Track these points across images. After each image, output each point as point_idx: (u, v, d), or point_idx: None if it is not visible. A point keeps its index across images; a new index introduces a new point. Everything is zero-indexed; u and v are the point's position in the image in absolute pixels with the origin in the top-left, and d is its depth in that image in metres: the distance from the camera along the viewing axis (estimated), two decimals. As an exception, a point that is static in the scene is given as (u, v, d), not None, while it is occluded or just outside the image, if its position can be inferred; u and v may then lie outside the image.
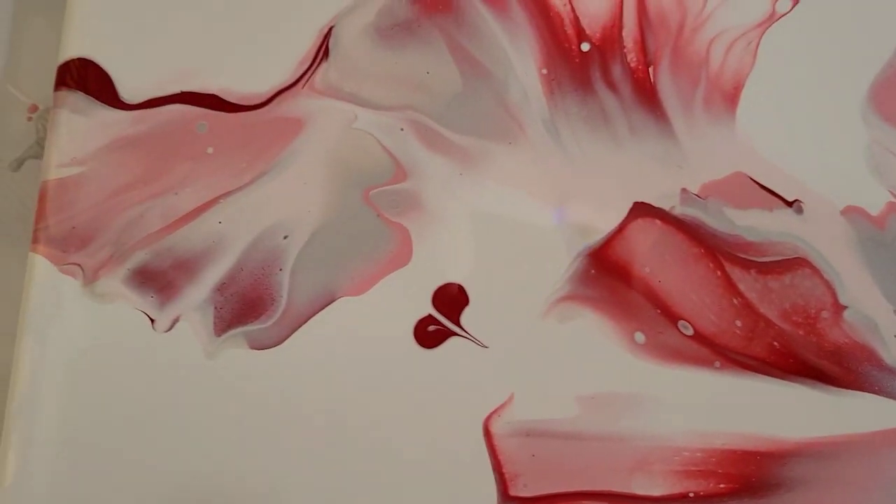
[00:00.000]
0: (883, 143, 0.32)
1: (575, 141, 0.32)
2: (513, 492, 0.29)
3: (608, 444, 0.29)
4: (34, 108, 0.35)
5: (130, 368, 0.30)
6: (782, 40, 0.33)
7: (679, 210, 0.31)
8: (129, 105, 0.32)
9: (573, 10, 0.33)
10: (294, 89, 0.32)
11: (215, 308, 0.30)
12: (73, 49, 0.32)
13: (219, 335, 0.30)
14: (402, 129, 0.32)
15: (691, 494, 0.29)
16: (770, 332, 0.30)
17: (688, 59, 0.33)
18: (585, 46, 0.33)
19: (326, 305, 0.30)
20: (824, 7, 0.33)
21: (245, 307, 0.30)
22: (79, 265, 0.31)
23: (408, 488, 0.29)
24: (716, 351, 0.30)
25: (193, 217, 0.31)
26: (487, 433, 0.29)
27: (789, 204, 0.31)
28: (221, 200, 0.31)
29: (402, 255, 0.31)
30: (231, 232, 0.31)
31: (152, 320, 0.30)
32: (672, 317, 0.30)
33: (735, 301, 0.30)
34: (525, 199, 0.31)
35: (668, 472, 0.29)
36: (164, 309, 0.30)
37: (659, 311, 0.30)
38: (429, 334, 0.30)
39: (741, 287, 0.30)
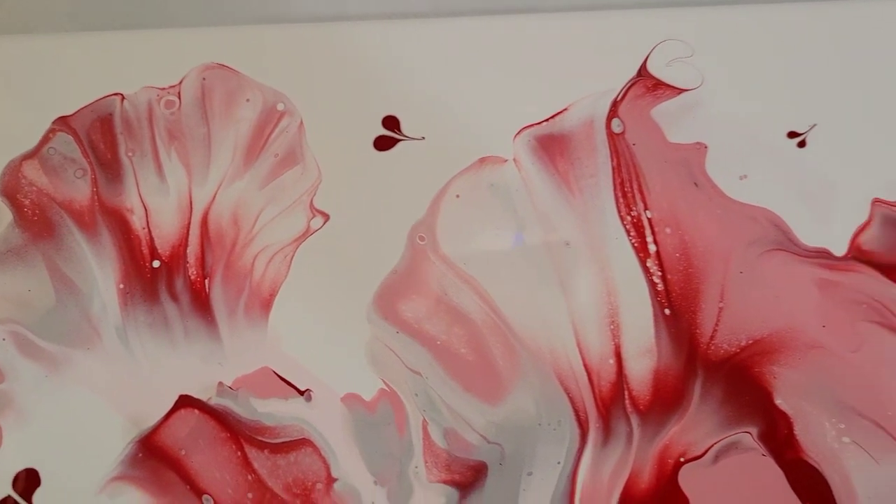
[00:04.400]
0: (381, 338, 0.37)
1: (140, 345, 0.37)
2: None
3: None
4: None
5: None
6: (312, 252, 0.38)
7: (215, 400, 0.36)
8: None
9: (149, 231, 0.39)
10: (-77, 308, 0.38)
11: None
12: None
13: None
14: (3, 339, 0.37)
15: None
16: (275, 502, 0.35)
17: (237, 271, 0.38)
18: (156, 263, 0.38)
19: (-70, 491, 0.36)
20: (344, 224, 0.38)
21: None
22: None
23: None
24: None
25: None
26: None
27: (301, 393, 0.36)
28: None
29: (-7, 446, 0.36)
30: None
31: None
32: (198, 491, 0.35)
33: (249, 477, 0.36)
34: (93, 395, 0.37)
35: None
36: None
37: (188, 487, 0.35)
38: (8, 511, 0.36)
39: (255, 465, 0.36)
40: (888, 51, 0.38)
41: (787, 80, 0.38)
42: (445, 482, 0.35)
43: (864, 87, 0.38)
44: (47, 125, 0.40)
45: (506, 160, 0.39)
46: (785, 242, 0.37)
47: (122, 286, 0.38)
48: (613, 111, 0.39)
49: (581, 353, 0.36)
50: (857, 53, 0.38)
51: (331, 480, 0.35)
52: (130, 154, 0.40)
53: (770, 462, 0.35)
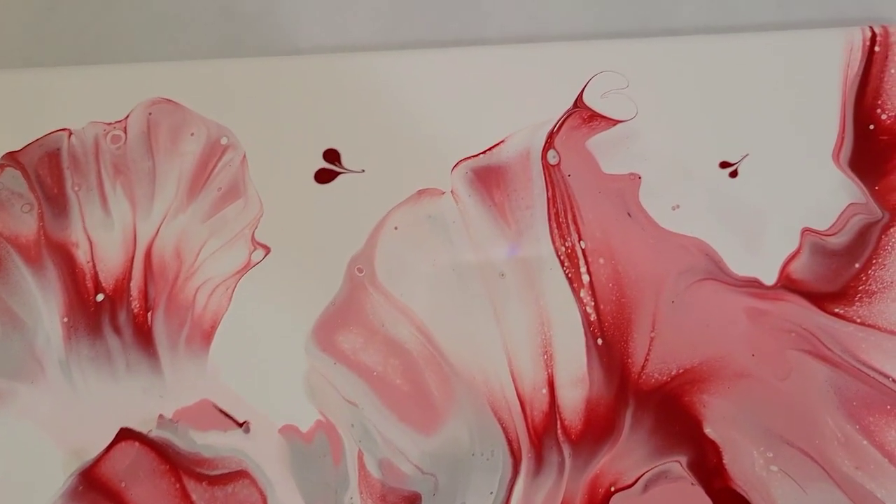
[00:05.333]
0: (318, 369, 0.37)
1: (83, 378, 0.37)
2: None
3: None
4: None
5: None
6: (253, 285, 0.38)
7: (155, 433, 0.37)
8: None
9: (94, 265, 0.39)
10: None
11: None
12: None
13: None
14: (-51, 374, 0.38)
15: None
16: (212, 533, 0.35)
17: (179, 304, 0.38)
18: (100, 297, 0.38)
19: None
20: (285, 256, 0.38)
21: None
22: None
23: None
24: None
25: None
26: None
27: (240, 425, 0.37)
28: None
29: (-62, 479, 0.36)
30: None
31: None
32: (137, 523, 0.36)
33: (187, 508, 0.36)
34: (36, 428, 0.37)
35: None
36: None
37: (128, 519, 0.36)
38: (-48, 544, 0.36)
39: (194, 496, 0.36)
40: (818, 82, 0.39)
41: (719, 111, 0.39)
42: (380, 512, 0.35)
43: (795, 117, 0.38)
44: (-4, 161, 0.40)
45: (443, 192, 0.39)
46: (716, 272, 0.37)
47: (66, 320, 0.38)
48: (549, 142, 0.39)
49: (514, 382, 0.36)
50: (787, 85, 0.39)
51: (265, 512, 0.36)
52: (76, 189, 0.40)
53: (699, 491, 0.35)
